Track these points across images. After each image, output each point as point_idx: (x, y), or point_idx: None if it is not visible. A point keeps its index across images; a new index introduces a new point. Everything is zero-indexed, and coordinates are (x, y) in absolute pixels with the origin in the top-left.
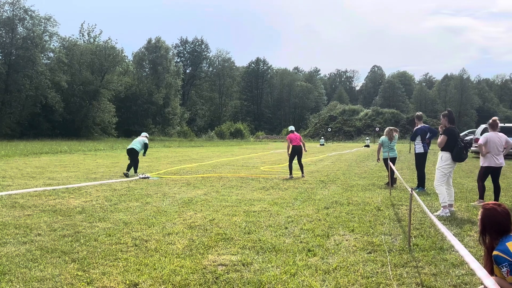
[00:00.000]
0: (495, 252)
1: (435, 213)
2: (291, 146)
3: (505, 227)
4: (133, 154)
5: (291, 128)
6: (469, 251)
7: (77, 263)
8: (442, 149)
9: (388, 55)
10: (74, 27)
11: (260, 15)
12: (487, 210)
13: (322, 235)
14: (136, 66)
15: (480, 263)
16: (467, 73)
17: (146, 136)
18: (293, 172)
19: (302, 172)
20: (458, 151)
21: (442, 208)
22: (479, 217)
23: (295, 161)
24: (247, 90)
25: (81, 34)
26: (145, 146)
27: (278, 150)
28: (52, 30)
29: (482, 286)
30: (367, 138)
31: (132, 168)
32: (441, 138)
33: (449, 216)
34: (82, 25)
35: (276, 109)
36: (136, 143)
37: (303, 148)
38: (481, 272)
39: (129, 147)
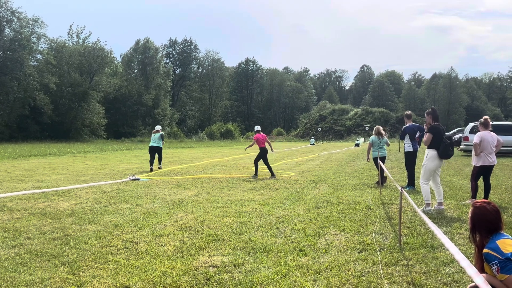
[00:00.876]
0: (485, 250)
1: (419, 208)
2: (256, 147)
3: (495, 225)
4: (157, 150)
5: (258, 128)
6: (459, 249)
7: (67, 266)
8: (429, 147)
9: (377, 54)
10: (62, 29)
11: (249, 16)
12: (477, 208)
13: (313, 235)
14: (125, 68)
15: (470, 261)
16: (456, 72)
17: (160, 129)
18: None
19: (272, 174)
20: (444, 148)
21: (425, 205)
22: (469, 215)
23: (262, 161)
24: (237, 90)
25: (69, 36)
26: (162, 137)
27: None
28: (40, 31)
29: (473, 284)
30: (358, 138)
31: (157, 160)
32: (426, 136)
33: (438, 214)
34: (71, 26)
35: (266, 109)
36: (156, 140)
37: (269, 149)
38: (471, 270)
39: (151, 145)
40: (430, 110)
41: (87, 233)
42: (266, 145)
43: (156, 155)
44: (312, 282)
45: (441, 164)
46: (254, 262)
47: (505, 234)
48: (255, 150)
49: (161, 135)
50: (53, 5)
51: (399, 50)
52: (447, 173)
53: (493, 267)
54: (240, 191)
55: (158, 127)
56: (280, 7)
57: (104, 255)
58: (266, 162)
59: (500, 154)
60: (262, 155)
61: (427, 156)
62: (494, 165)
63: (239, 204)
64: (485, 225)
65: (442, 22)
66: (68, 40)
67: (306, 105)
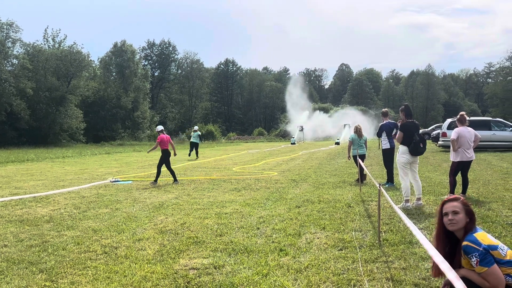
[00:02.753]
0: (464, 243)
1: (398, 205)
2: (159, 148)
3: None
4: (195, 145)
5: (160, 127)
6: None
7: (45, 274)
8: (401, 144)
9: (355, 53)
10: (38, 33)
11: (228, 16)
12: (466, 204)
13: (293, 234)
14: (103, 71)
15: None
16: (433, 69)
17: (197, 129)
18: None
19: (175, 179)
20: (414, 145)
21: (404, 201)
22: (460, 207)
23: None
24: (217, 91)
25: (45, 40)
26: (199, 136)
27: (251, 150)
28: (15, 36)
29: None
30: (338, 138)
31: (194, 152)
32: (398, 134)
33: (417, 209)
34: (46, 30)
35: (246, 110)
36: (195, 137)
37: (173, 152)
38: (444, 265)
39: (191, 141)
40: (403, 106)
41: (65, 239)
42: (170, 147)
43: (194, 149)
44: (292, 281)
45: (416, 160)
46: (234, 263)
47: (479, 228)
48: (232, 152)
49: (198, 134)
50: (28, 9)
51: (377, 48)
52: (425, 169)
53: (472, 259)
54: (221, 192)
55: (196, 127)
56: (259, 7)
57: (83, 261)
58: (168, 166)
59: (477, 149)
60: (165, 158)
61: (399, 152)
62: (472, 160)
63: (220, 205)
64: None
65: (419, 20)
66: (44, 44)
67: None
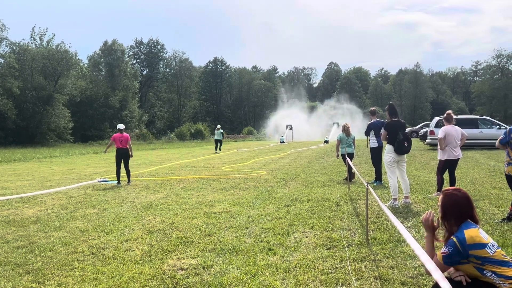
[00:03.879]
0: (453, 237)
1: (386, 204)
2: (113, 147)
3: (465, 212)
4: (219, 141)
5: (120, 126)
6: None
7: (32, 275)
8: (387, 143)
9: (344, 51)
10: (25, 32)
11: (217, 14)
12: (447, 196)
13: (282, 233)
14: (91, 69)
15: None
16: (421, 67)
17: (220, 127)
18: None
19: (129, 180)
20: (398, 144)
21: (392, 200)
22: (439, 203)
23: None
24: (206, 90)
25: (32, 38)
26: (222, 133)
27: (240, 149)
28: (1, 34)
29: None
30: (327, 137)
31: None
32: (382, 133)
33: (405, 208)
34: (33, 29)
35: (236, 109)
36: (219, 135)
37: (129, 152)
38: (430, 265)
39: (215, 138)
40: (388, 106)
41: (52, 240)
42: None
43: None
44: (281, 281)
45: (402, 159)
46: (223, 263)
47: (472, 223)
48: (221, 151)
49: (221, 132)
50: (14, 7)
51: (366, 46)
52: (413, 167)
53: (444, 249)
54: (210, 192)
55: (218, 126)
56: (249, 6)
57: (70, 262)
58: (125, 165)
59: (464, 147)
60: (121, 157)
61: (385, 150)
62: (459, 158)
63: (209, 205)
64: (456, 212)
65: (407, 18)
66: (31, 43)
67: (275, 104)
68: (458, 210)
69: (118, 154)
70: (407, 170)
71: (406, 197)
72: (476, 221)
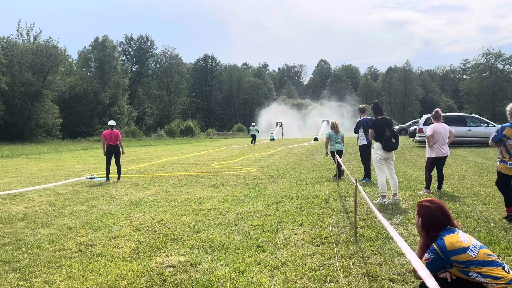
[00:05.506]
0: (433, 244)
1: (374, 201)
2: (105, 144)
3: (441, 222)
4: (254, 136)
5: (111, 122)
6: (413, 239)
7: (18, 272)
8: (375, 140)
9: (334, 49)
10: (12, 27)
11: (207, 11)
12: (421, 208)
13: (271, 230)
14: (81, 65)
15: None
16: (410, 65)
17: (255, 124)
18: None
19: (119, 177)
20: (385, 141)
21: (380, 197)
22: (415, 212)
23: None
24: (196, 87)
25: (19, 34)
26: (257, 129)
27: (230, 146)
28: None
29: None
30: (316, 134)
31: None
32: (369, 131)
33: (394, 205)
34: (18, 24)
35: (226, 105)
36: (254, 131)
37: (120, 148)
38: (416, 262)
39: (251, 133)
40: (372, 104)
41: (39, 237)
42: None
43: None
44: (269, 278)
45: (391, 156)
46: (211, 261)
47: (453, 228)
48: (211, 148)
49: (256, 129)
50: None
51: (356, 44)
52: (402, 164)
53: (426, 255)
54: (199, 188)
55: (253, 123)
56: (239, 3)
57: (57, 259)
58: (117, 162)
59: (453, 144)
60: (111, 153)
61: (373, 148)
62: (447, 156)
63: (198, 202)
64: (432, 223)
65: (397, 16)
66: (19, 38)
67: (266, 101)
68: (433, 222)
69: (108, 151)
70: (396, 167)
71: (395, 194)
72: (455, 226)
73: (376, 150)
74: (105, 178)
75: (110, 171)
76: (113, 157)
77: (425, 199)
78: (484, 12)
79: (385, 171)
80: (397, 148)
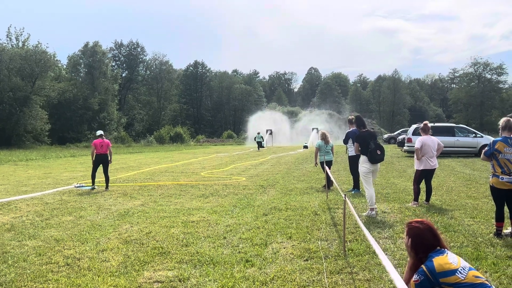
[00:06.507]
0: (422, 266)
1: (363, 213)
2: (94, 153)
3: (430, 243)
4: (260, 143)
5: (99, 132)
6: (401, 254)
7: (4, 287)
8: (361, 153)
9: (324, 56)
10: (1, 32)
11: (198, 17)
12: (411, 229)
13: (260, 243)
14: (70, 70)
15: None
16: (399, 74)
17: (260, 132)
18: (96, 182)
19: (107, 186)
20: (370, 153)
21: (369, 210)
22: (405, 233)
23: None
24: (186, 93)
25: (8, 39)
26: (262, 137)
27: (220, 153)
28: None
29: None
30: (306, 142)
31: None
32: (355, 145)
33: (382, 217)
34: (8, 28)
35: (216, 112)
36: (259, 138)
37: (109, 157)
38: (399, 283)
39: (256, 140)
40: (355, 118)
41: (26, 249)
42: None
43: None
44: None
45: (376, 168)
46: (200, 276)
47: (443, 250)
48: (201, 156)
49: (261, 136)
50: None
51: (345, 52)
52: (391, 175)
53: (415, 277)
54: (189, 199)
55: (258, 131)
56: (230, 9)
57: (44, 273)
58: (105, 171)
59: (441, 155)
60: (99, 162)
61: (360, 161)
62: (435, 168)
63: (187, 213)
64: (421, 244)
65: (387, 25)
66: (7, 43)
67: (256, 108)
68: (423, 243)
69: (96, 159)
70: (384, 177)
71: (372, 209)
72: (444, 247)
73: (363, 163)
74: (91, 185)
75: (97, 179)
76: (101, 166)
77: (415, 219)
78: (473, 21)
79: (371, 183)
80: (384, 160)
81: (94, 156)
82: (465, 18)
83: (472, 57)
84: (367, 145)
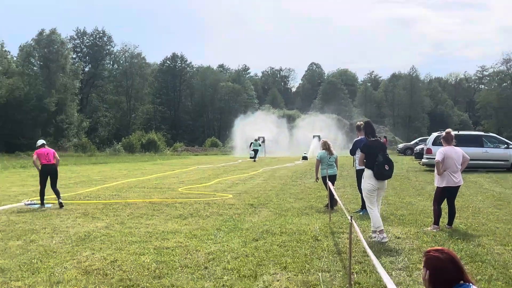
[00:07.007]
0: None
1: (372, 238)
2: (39, 165)
3: (452, 276)
4: (256, 151)
5: (40, 142)
6: None
7: None
8: (365, 167)
9: (328, 50)
10: None
11: (177, 1)
12: (428, 260)
13: (249, 275)
14: (22, 63)
15: None
16: (417, 72)
17: (258, 138)
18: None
19: (59, 199)
20: (377, 167)
21: (378, 233)
22: (422, 263)
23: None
24: (162, 92)
25: None
26: (259, 144)
27: (202, 165)
28: None
29: None
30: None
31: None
32: (359, 156)
33: (396, 244)
34: None
35: (197, 115)
36: (257, 145)
37: (57, 168)
38: None
39: (253, 148)
40: (364, 124)
41: None
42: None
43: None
44: None
45: (382, 186)
46: None
47: (467, 284)
48: (178, 168)
49: (259, 143)
50: None
51: (354, 45)
52: (406, 193)
53: None
54: (163, 220)
55: (256, 137)
56: None
57: None
58: (53, 185)
59: (466, 168)
60: (47, 174)
61: (363, 177)
62: (459, 185)
63: (161, 237)
64: (441, 278)
65: (403, 13)
66: None
67: (245, 110)
68: (443, 276)
69: (43, 171)
70: (399, 196)
71: (374, 232)
72: (468, 282)
73: (367, 179)
74: (40, 204)
75: (47, 196)
76: (48, 179)
77: (434, 248)
78: (505, 10)
79: (376, 203)
80: (391, 177)
81: (40, 167)
82: (496, 7)
83: (504, 53)
84: (374, 158)
